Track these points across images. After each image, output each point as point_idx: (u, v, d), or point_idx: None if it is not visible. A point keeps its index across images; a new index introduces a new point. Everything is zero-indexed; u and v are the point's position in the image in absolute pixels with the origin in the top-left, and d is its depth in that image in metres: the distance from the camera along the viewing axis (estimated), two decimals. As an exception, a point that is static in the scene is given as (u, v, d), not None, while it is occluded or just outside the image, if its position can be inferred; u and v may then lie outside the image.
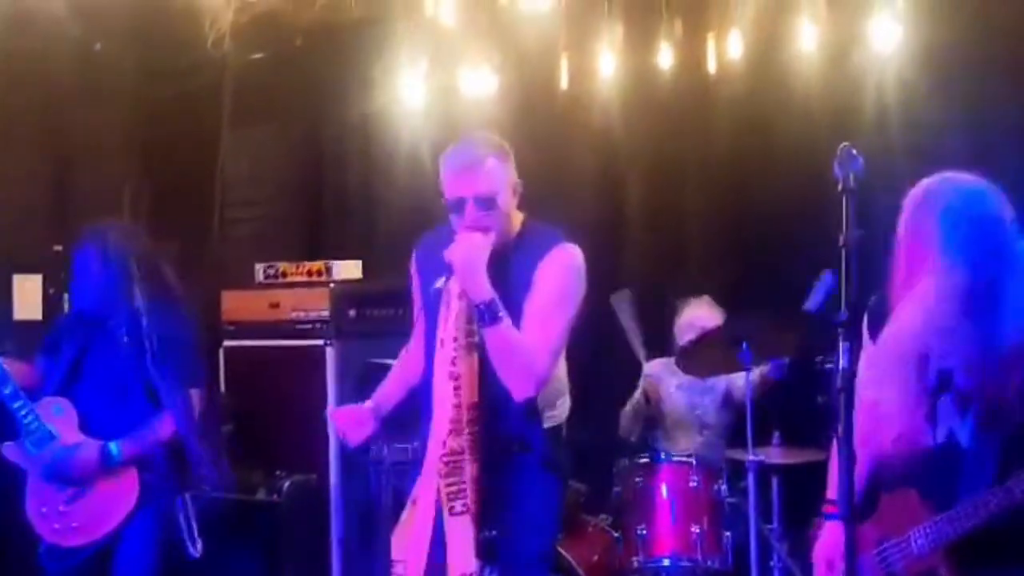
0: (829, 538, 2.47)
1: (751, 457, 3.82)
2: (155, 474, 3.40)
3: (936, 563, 2.28)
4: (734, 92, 4.84)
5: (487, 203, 2.70)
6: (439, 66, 5.15)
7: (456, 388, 2.68)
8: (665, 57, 4.87)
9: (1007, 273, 2.29)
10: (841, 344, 2.13)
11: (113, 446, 3.37)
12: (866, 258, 4.84)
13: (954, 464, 2.30)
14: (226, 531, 4.54)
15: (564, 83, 5.00)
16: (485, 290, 2.64)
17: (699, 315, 4.40)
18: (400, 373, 3.11)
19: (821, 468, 4.05)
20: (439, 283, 2.75)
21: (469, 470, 2.65)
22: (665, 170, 5.22)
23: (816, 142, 4.18)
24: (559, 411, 2.90)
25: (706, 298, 4.47)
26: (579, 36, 4.98)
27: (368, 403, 3.07)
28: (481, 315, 2.64)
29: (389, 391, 3.10)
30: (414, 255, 3.04)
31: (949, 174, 2.45)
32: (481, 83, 5.07)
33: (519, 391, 2.71)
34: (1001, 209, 2.36)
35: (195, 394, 3.45)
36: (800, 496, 4.19)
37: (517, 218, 2.85)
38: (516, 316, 2.70)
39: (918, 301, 2.33)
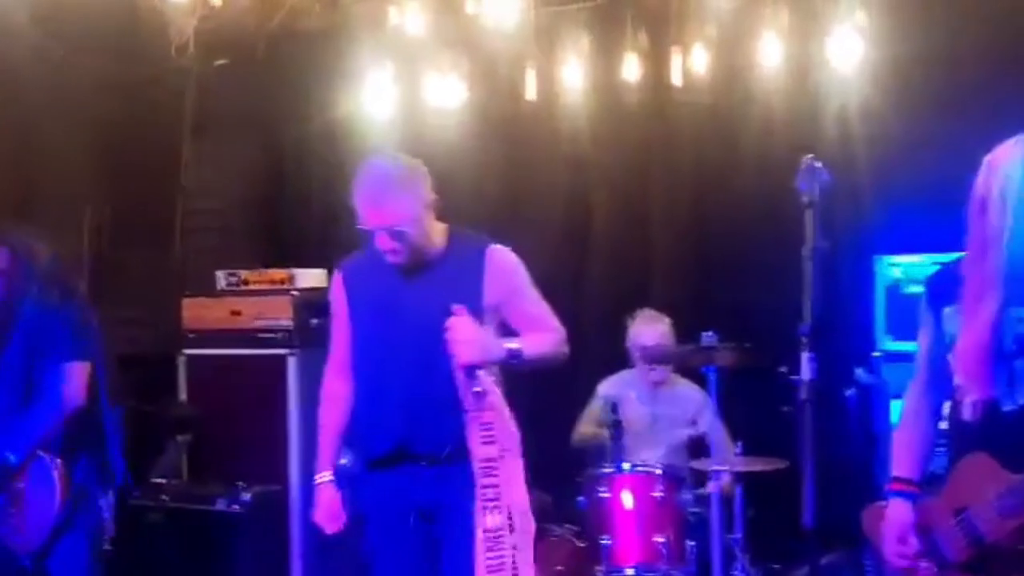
0: (897, 515, 2.50)
1: (714, 467, 3.83)
2: (80, 471, 3.32)
3: None
4: (700, 106, 4.88)
5: (396, 233, 2.90)
6: (405, 75, 5.14)
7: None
8: (631, 70, 4.90)
9: None
10: (805, 355, 2.14)
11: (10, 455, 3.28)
12: (829, 270, 4.91)
13: None
14: (186, 541, 4.50)
15: (531, 94, 5.01)
16: (501, 350, 2.88)
17: (642, 331, 4.44)
18: (337, 417, 3.16)
19: (783, 477, 4.13)
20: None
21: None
22: (631, 181, 5.24)
23: (780, 156, 4.22)
24: None
25: (648, 312, 4.49)
26: (547, 47, 5.00)
27: (327, 476, 3.11)
28: (512, 362, 2.91)
29: (334, 443, 3.16)
30: (341, 276, 3.16)
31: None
32: (448, 92, 5.07)
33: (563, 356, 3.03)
34: None
35: (76, 368, 3.31)
36: (763, 505, 4.22)
37: (438, 229, 3.03)
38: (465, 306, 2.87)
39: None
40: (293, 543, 4.65)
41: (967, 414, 2.40)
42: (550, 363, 3.03)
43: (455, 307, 2.80)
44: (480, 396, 2.74)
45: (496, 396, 2.82)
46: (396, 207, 2.89)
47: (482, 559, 2.70)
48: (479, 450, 2.75)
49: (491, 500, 2.68)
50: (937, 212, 4.36)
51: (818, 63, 4.64)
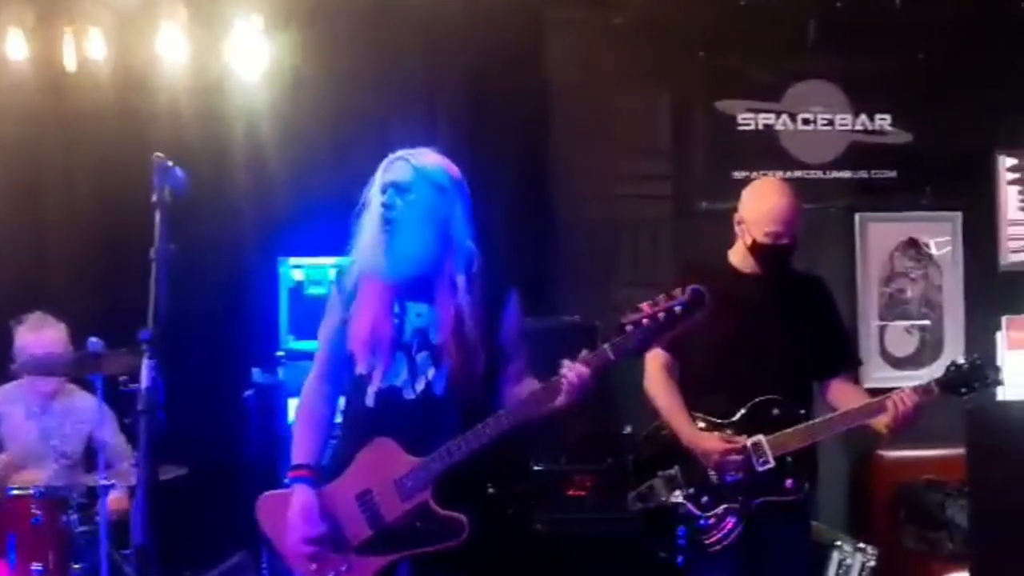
0: (301, 500, 2.56)
1: (103, 482, 3.61)
2: None
3: (426, 497, 2.46)
4: (95, 93, 4.56)
5: None
6: None
7: None
8: (17, 47, 4.41)
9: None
10: (146, 363, 2.05)
11: None
12: (235, 271, 4.85)
13: (430, 413, 2.50)
14: None
15: None
16: None
17: (28, 338, 4.05)
18: None
19: (183, 482, 4.03)
20: None
21: None
22: (21, 170, 4.71)
23: (187, 154, 4.10)
24: None
25: (38, 315, 4.11)
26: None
27: None
28: None
29: None
30: None
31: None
32: None
33: None
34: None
35: None
36: (176, 513, 4.06)
37: None
38: None
39: None
40: None
41: (370, 402, 2.55)
42: None
43: None
44: None
45: None
46: None
47: None
48: None
49: None
50: (339, 216, 4.61)
51: (224, 66, 4.62)
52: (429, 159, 2.59)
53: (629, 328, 2.40)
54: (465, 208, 2.60)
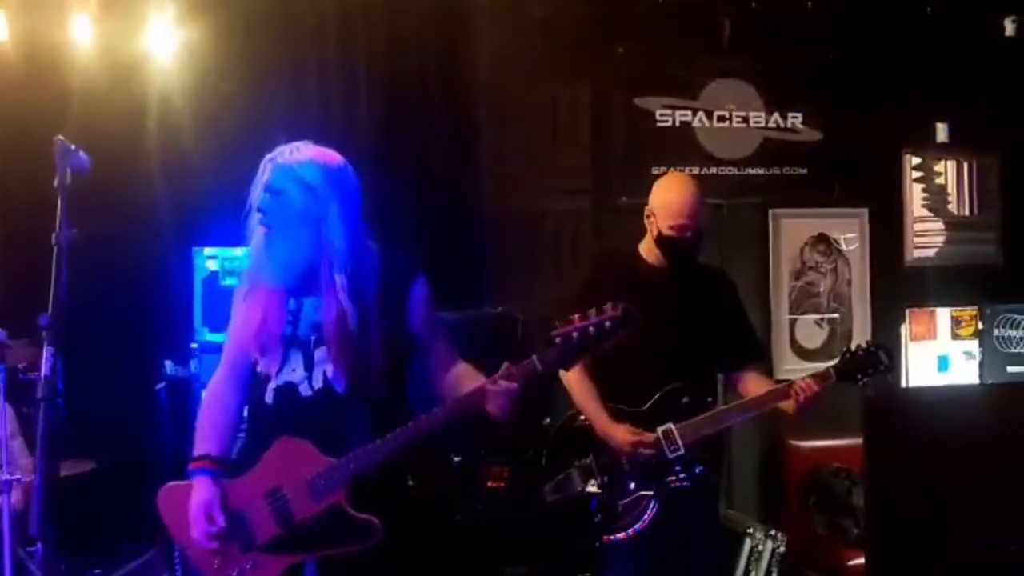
0: (203, 493, 2.48)
1: (5, 477, 3.51)
2: None
3: (339, 499, 2.40)
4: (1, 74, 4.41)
5: None
6: None
7: None
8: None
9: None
10: (45, 350, 1.99)
11: None
12: (148, 260, 4.72)
13: (332, 410, 2.42)
14: None
15: None
16: None
17: None
18: None
19: (92, 477, 3.92)
20: None
21: None
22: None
23: (96, 141, 3.99)
24: None
25: None
26: None
27: None
28: None
29: None
30: None
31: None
32: None
33: None
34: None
35: None
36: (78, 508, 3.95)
37: None
38: None
39: None
40: None
41: (269, 399, 2.48)
42: None
43: None
44: None
45: None
46: None
47: None
48: None
49: None
50: (254, 205, 4.54)
51: (136, 50, 4.50)
52: (302, 156, 2.46)
53: (559, 340, 2.40)
54: (344, 203, 2.45)
